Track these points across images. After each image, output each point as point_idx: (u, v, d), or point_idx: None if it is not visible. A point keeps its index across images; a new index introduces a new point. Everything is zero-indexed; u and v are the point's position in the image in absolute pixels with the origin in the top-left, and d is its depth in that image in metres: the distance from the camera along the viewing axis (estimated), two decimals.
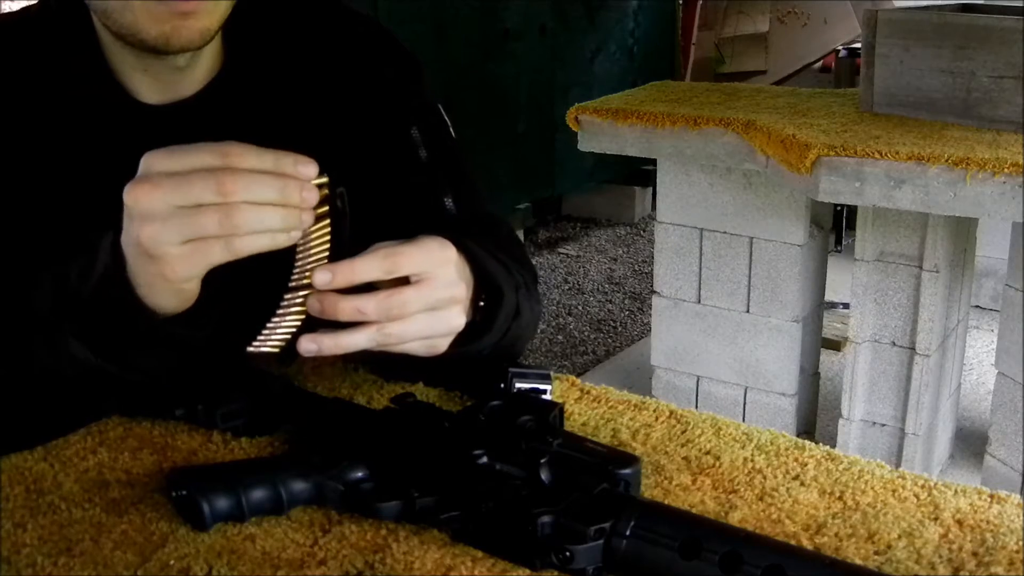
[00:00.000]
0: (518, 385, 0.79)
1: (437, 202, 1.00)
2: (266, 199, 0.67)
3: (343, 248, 0.72)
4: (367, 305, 0.71)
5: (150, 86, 0.91)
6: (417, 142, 1.01)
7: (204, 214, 0.66)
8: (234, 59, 0.95)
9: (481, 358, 0.84)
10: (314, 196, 0.69)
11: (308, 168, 0.69)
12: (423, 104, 1.04)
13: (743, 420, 1.45)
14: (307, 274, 0.71)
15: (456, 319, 0.76)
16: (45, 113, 0.90)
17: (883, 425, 2.31)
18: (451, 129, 1.05)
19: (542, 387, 0.80)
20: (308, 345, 0.71)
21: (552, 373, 0.85)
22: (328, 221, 0.72)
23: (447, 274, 0.75)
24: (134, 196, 0.67)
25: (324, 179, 0.70)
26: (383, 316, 0.71)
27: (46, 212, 0.90)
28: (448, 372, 0.85)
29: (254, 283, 0.76)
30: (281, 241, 0.69)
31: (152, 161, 0.68)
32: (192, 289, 0.73)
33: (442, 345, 0.77)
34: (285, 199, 0.67)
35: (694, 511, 0.67)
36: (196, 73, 0.92)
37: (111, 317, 0.74)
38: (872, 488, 0.71)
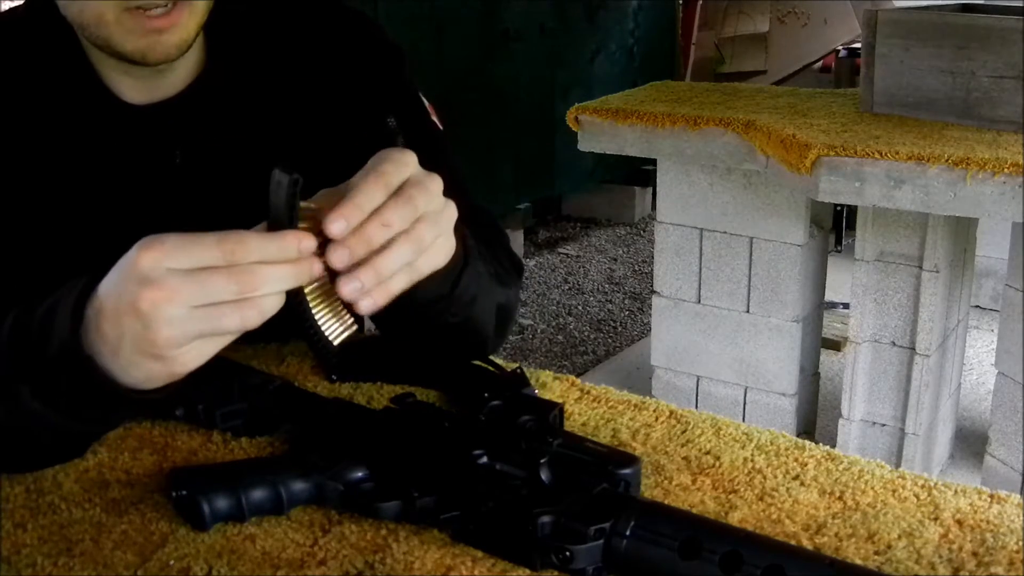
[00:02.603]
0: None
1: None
2: (282, 285, 0.63)
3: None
4: (387, 214, 0.66)
5: (133, 87, 0.91)
6: (394, 130, 1.00)
7: (223, 313, 0.62)
8: (216, 56, 0.94)
9: (449, 324, 0.82)
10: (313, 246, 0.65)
11: (309, 243, 0.64)
12: (402, 92, 1.03)
13: (743, 420, 1.45)
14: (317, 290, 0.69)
15: (452, 213, 0.72)
16: (29, 113, 0.90)
17: (883, 425, 2.31)
18: (435, 119, 1.04)
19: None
20: (352, 285, 0.65)
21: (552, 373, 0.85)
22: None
23: (425, 174, 0.71)
24: (152, 301, 0.61)
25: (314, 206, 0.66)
26: (405, 221, 0.67)
27: (29, 214, 0.89)
28: (429, 330, 0.83)
29: None
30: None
31: (154, 259, 0.62)
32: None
33: (447, 252, 0.73)
34: (298, 277, 0.64)
35: (694, 511, 0.67)
36: (179, 72, 0.92)
37: (73, 385, 0.67)
38: (872, 488, 0.71)
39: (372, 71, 1.02)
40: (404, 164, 0.69)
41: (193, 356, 0.64)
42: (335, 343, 0.69)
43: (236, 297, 0.62)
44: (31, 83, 0.90)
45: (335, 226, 0.64)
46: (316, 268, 0.65)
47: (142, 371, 0.65)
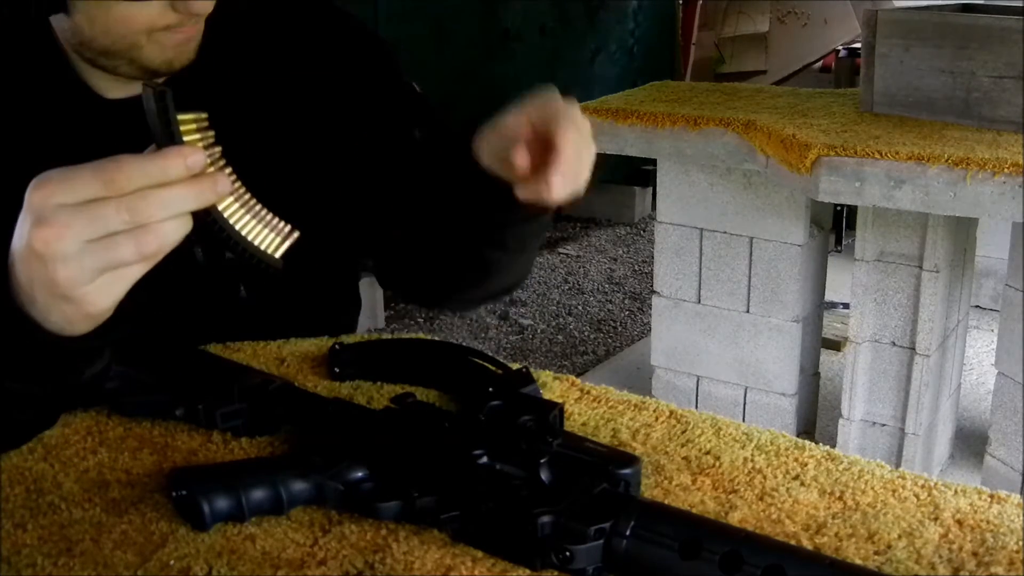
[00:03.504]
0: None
1: (406, 133, 1.03)
2: (179, 207, 0.62)
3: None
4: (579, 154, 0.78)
5: (114, 84, 0.92)
6: (407, 119, 1.04)
7: (119, 243, 0.61)
8: (203, 57, 0.94)
9: (494, 255, 0.95)
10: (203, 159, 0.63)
11: (196, 158, 0.63)
12: (399, 84, 1.06)
13: (743, 420, 1.45)
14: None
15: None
16: (9, 115, 0.90)
17: (883, 425, 2.31)
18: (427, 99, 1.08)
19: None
20: (522, 160, 0.76)
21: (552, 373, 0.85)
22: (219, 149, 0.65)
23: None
24: (43, 240, 0.61)
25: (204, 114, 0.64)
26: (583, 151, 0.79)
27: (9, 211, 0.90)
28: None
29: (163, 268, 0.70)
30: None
31: (42, 196, 0.61)
32: (109, 312, 0.68)
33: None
34: (198, 198, 0.62)
35: (694, 511, 0.67)
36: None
37: (10, 342, 0.68)
38: (872, 488, 0.71)
39: (363, 62, 1.04)
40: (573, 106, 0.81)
41: (101, 294, 0.63)
42: (276, 255, 0.67)
43: (129, 227, 0.61)
44: (9, 86, 0.91)
45: (521, 159, 0.75)
46: (221, 185, 0.63)
47: (58, 315, 0.65)
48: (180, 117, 0.61)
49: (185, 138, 0.62)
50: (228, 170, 0.65)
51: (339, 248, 1.09)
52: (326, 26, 1.04)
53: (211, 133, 0.64)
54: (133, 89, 0.92)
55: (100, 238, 0.61)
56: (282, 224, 0.67)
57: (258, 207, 0.66)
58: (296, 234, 0.68)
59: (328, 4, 1.05)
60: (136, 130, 0.92)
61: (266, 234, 0.66)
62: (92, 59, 0.87)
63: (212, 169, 0.64)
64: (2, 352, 0.68)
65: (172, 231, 0.62)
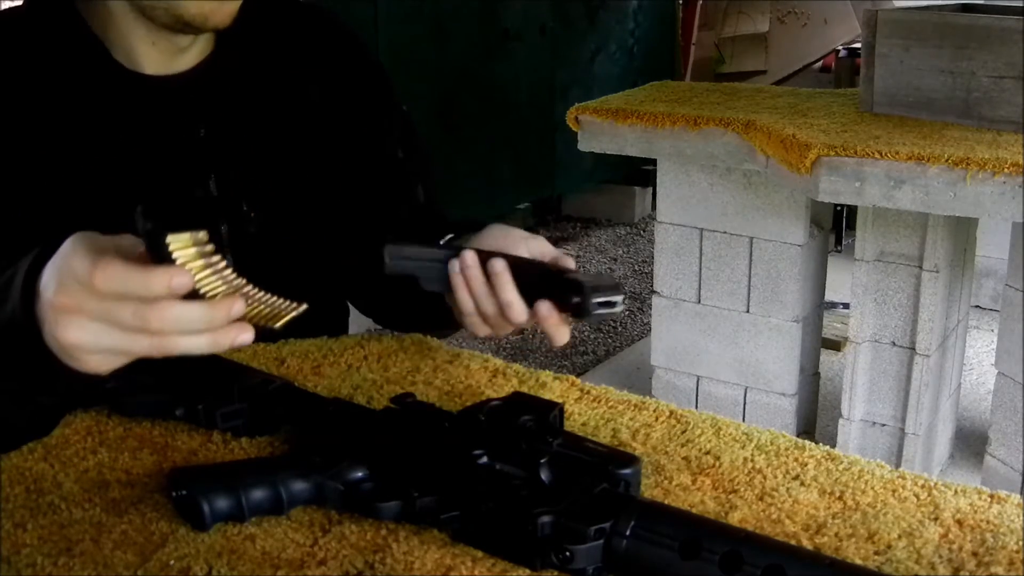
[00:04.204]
0: (595, 301, 0.78)
1: (410, 192, 1.10)
2: (190, 326, 0.63)
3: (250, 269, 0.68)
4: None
5: (153, 59, 0.96)
6: (399, 159, 1.10)
7: (135, 338, 0.63)
8: (223, 45, 1.00)
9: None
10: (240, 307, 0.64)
11: (180, 279, 0.62)
12: (394, 111, 1.12)
13: (743, 420, 1.45)
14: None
15: None
16: (49, 100, 0.93)
17: (883, 425, 2.31)
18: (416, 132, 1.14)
19: (615, 299, 0.78)
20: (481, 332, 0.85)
21: (553, 373, 0.85)
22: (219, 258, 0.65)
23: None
24: (63, 307, 0.62)
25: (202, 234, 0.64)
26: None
27: (53, 194, 0.92)
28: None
29: None
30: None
31: (82, 266, 0.62)
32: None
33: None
34: (211, 322, 0.63)
35: (694, 511, 0.67)
36: (193, 51, 0.98)
37: (18, 353, 0.68)
38: (872, 488, 0.71)
39: (365, 87, 1.10)
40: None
41: (102, 364, 0.65)
42: (277, 326, 0.67)
43: (141, 327, 0.62)
44: (47, 71, 0.93)
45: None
46: (236, 309, 0.63)
47: (58, 352, 0.65)
48: (174, 236, 0.62)
49: (178, 255, 0.62)
50: (229, 270, 0.65)
51: (326, 261, 1.10)
52: (336, 46, 1.09)
53: (210, 247, 0.63)
54: (171, 67, 0.97)
55: (113, 324, 0.62)
56: (284, 302, 0.68)
57: (261, 294, 0.67)
58: (303, 307, 0.68)
59: (341, 25, 1.10)
60: (177, 109, 0.97)
61: (268, 313, 0.67)
62: (152, 13, 0.90)
63: (218, 281, 0.64)
64: (12, 358, 0.69)
65: (187, 345, 0.63)
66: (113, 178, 0.94)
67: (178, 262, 0.61)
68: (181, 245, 0.62)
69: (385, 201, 1.09)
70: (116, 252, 0.62)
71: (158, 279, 0.61)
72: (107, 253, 0.62)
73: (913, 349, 2.20)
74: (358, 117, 1.07)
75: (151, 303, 0.61)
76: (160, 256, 0.61)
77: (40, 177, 0.93)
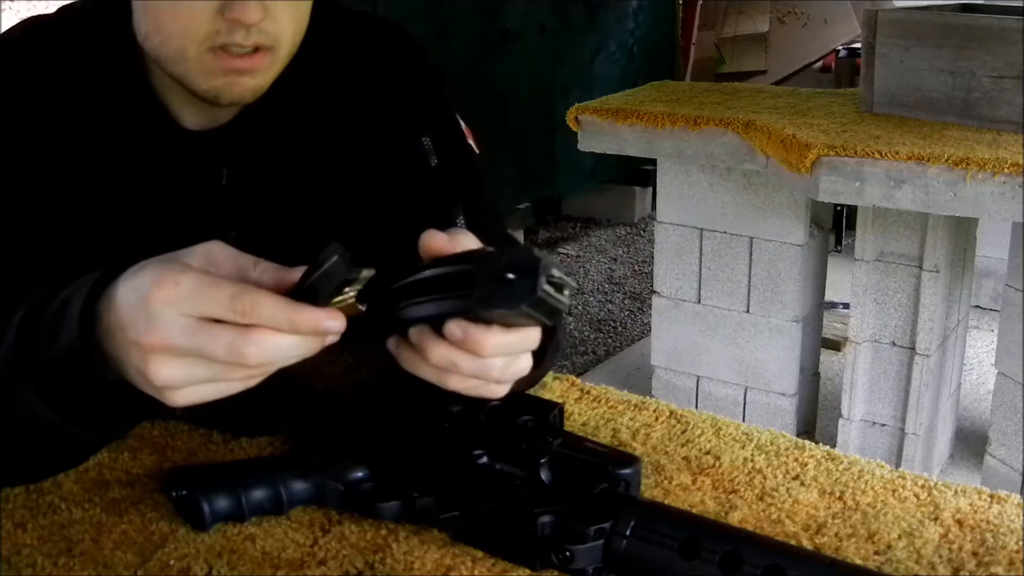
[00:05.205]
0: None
1: (446, 216, 0.97)
2: (288, 356, 0.60)
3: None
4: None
5: (193, 114, 0.89)
6: (428, 151, 0.98)
7: (230, 371, 0.60)
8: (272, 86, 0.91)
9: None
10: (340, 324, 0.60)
11: (333, 323, 0.60)
12: (439, 115, 1.01)
13: (743, 420, 1.45)
14: None
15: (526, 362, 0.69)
16: (83, 127, 0.87)
17: (883, 425, 2.31)
18: (471, 142, 1.03)
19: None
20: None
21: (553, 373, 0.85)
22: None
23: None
24: (152, 346, 0.59)
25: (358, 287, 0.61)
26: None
27: (75, 227, 0.87)
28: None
29: None
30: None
31: (168, 299, 0.59)
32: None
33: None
34: (306, 349, 0.61)
35: (694, 511, 0.67)
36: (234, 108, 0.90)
37: (78, 386, 0.65)
38: (872, 488, 0.71)
39: (410, 93, 0.99)
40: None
41: (191, 397, 0.62)
42: None
43: (232, 361, 0.59)
44: (87, 96, 0.87)
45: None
46: (331, 338, 0.60)
47: (136, 379, 0.62)
48: (363, 275, 0.59)
49: (337, 300, 0.59)
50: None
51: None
52: (383, 56, 0.99)
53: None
54: (211, 122, 0.89)
55: (203, 357, 0.60)
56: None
57: None
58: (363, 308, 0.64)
59: (389, 30, 1.00)
60: (202, 157, 0.90)
61: None
62: (175, 79, 0.83)
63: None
64: (59, 393, 0.66)
65: (276, 366, 0.61)
66: (128, 222, 0.89)
67: (333, 300, 0.59)
68: (347, 295, 0.59)
69: (416, 222, 0.97)
70: (224, 277, 0.59)
71: (309, 317, 0.58)
72: (223, 286, 0.59)
73: (913, 349, 2.20)
74: (400, 130, 0.98)
75: (246, 335, 0.58)
76: (314, 293, 0.58)
77: (61, 207, 0.86)
